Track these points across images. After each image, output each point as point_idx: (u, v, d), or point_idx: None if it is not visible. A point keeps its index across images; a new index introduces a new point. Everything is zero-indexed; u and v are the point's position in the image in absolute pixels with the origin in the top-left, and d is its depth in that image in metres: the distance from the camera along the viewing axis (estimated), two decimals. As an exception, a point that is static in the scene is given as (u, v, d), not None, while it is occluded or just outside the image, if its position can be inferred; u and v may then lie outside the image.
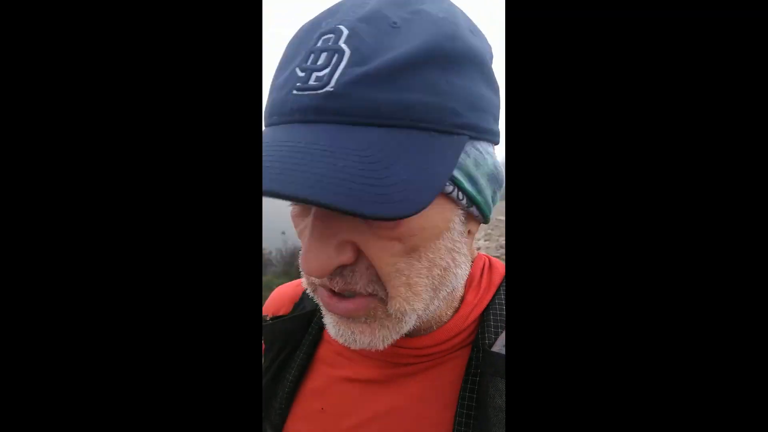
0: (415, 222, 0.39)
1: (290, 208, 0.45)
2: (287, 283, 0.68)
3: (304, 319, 0.58)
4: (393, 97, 0.37)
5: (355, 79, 0.36)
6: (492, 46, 0.46)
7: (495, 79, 0.44)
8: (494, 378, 0.43)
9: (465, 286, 0.51)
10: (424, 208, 0.35)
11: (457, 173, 0.40)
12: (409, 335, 0.49)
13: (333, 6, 0.42)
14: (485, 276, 0.53)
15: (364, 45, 0.37)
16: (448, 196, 0.41)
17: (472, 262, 0.52)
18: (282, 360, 0.57)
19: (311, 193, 0.32)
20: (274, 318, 0.60)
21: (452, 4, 0.44)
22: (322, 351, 0.56)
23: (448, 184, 0.40)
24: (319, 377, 0.55)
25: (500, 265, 0.56)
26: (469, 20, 0.44)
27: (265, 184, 0.32)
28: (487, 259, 0.56)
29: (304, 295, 0.63)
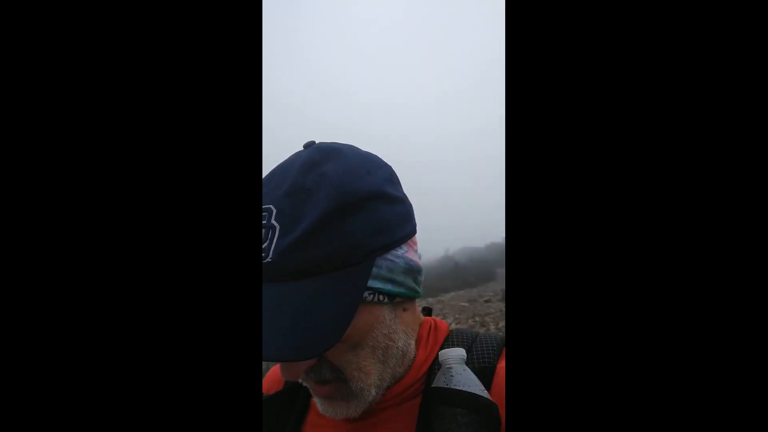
0: (350, 327, 0.52)
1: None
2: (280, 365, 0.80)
3: (293, 391, 0.71)
4: (313, 254, 0.51)
5: (284, 249, 0.51)
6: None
7: (397, 194, 0.59)
8: (435, 406, 0.55)
9: (416, 345, 0.65)
10: (341, 336, 0.49)
11: (374, 284, 0.54)
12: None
13: (267, 176, 0.58)
14: (431, 335, 0.68)
15: (287, 218, 0.52)
16: (370, 302, 0.55)
17: (420, 324, 0.67)
18: (282, 425, 0.69)
19: (264, 352, 0.46)
20: (267, 397, 0.75)
21: (351, 156, 0.58)
22: (311, 416, 0.69)
23: (368, 294, 0.54)
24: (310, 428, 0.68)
25: (443, 324, 0.71)
26: (367, 162, 0.59)
27: None
28: (433, 322, 0.70)
29: None
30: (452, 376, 0.55)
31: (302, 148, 0.61)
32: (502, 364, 0.60)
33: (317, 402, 0.61)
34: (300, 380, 0.61)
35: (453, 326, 0.71)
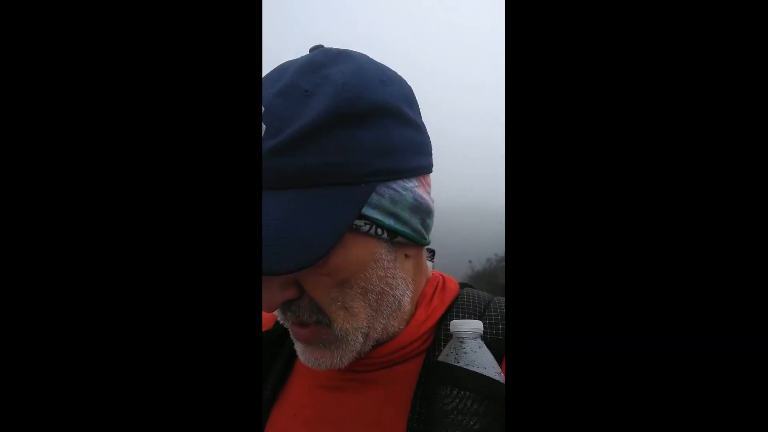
0: (340, 259, 0.46)
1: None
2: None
3: (281, 333, 0.64)
4: (300, 162, 0.44)
5: (269, 151, 0.43)
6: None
7: (414, 118, 0.50)
8: (438, 384, 0.48)
9: (417, 303, 0.58)
10: (321, 257, 0.42)
11: (373, 213, 0.47)
12: (372, 347, 0.55)
13: (264, 76, 0.49)
14: (437, 294, 0.60)
15: (277, 119, 0.44)
16: (366, 234, 0.48)
17: (427, 281, 0.60)
18: (264, 370, 0.63)
19: None
20: None
21: (361, 62, 0.49)
22: (299, 362, 0.61)
23: (363, 224, 0.47)
24: (294, 385, 0.61)
25: (452, 283, 0.62)
26: (381, 72, 0.50)
27: None
28: (441, 279, 0.62)
29: (277, 322, 0.69)
30: (465, 352, 0.47)
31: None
32: None
33: (298, 351, 0.55)
34: (280, 320, 0.55)
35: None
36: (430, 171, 0.54)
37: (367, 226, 0.47)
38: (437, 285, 0.61)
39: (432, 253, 0.64)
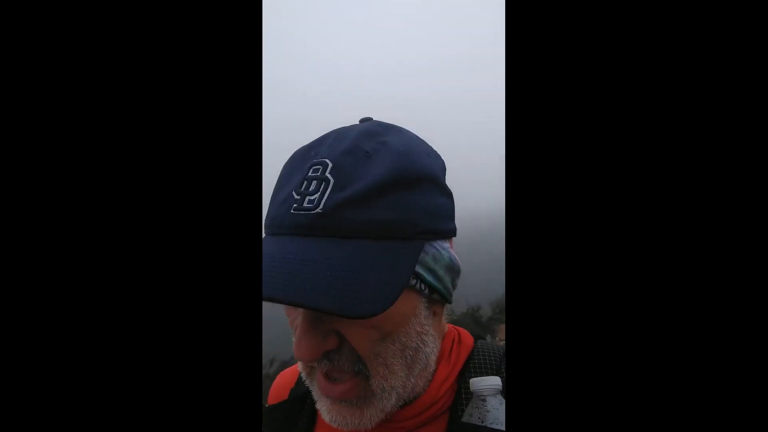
0: (389, 310, 0.46)
1: None
2: (286, 371, 0.76)
3: (298, 402, 0.65)
4: (368, 216, 0.48)
5: (338, 203, 0.47)
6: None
7: (447, 187, 0.56)
8: None
9: (438, 360, 0.58)
10: (390, 304, 0.44)
11: (418, 269, 0.50)
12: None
13: (321, 137, 0.55)
14: (455, 349, 0.61)
15: (344, 174, 0.49)
16: (412, 288, 0.51)
17: (443, 336, 0.61)
18: None
19: (306, 299, 0.42)
20: (272, 406, 0.69)
21: (411, 136, 0.56)
22: (318, 431, 0.62)
23: (411, 279, 0.49)
24: None
25: (468, 337, 0.64)
26: (426, 145, 0.57)
27: (270, 293, 0.42)
28: (456, 333, 0.64)
29: (299, 381, 0.68)
30: (488, 411, 0.48)
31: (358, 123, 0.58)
32: None
33: (324, 410, 0.54)
34: (306, 377, 0.55)
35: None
36: (455, 234, 0.58)
37: (414, 281, 0.50)
38: (453, 339, 0.62)
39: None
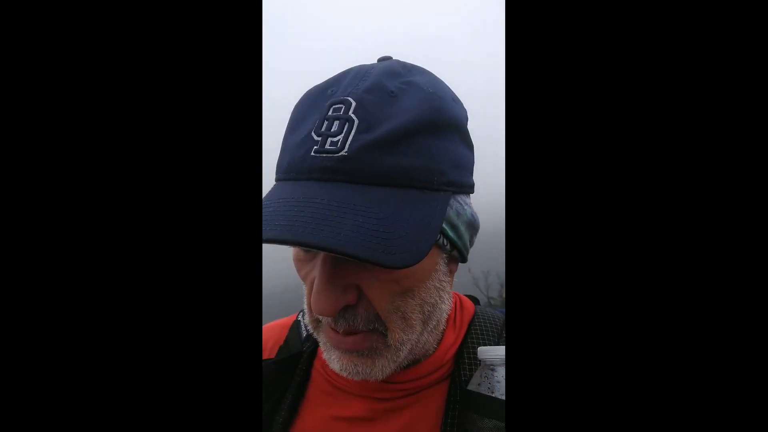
0: (412, 267, 0.43)
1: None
2: (270, 325, 0.70)
3: (290, 363, 0.61)
4: (395, 161, 0.43)
5: (364, 145, 0.43)
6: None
7: (470, 139, 0.52)
8: (472, 415, 0.47)
9: (446, 323, 0.56)
10: (423, 258, 0.41)
11: (443, 223, 0.46)
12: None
13: (337, 75, 0.50)
14: (458, 315, 0.59)
15: (369, 115, 0.44)
16: (435, 243, 0.46)
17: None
18: (271, 403, 0.59)
19: (338, 244, 0.38)
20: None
21: (436, 78, 0.52)
22: (311, 392, 0.59)
23: None
24: (308, 418, 0.57)
25: (469, 304, 0.63)
26: (451, 90, 0.52)
27: (297, 236, 0.38)
28: (458, 298, 0.62)
29: (288, 337, 0.65)
30: (498, 381, 0.46)
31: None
32: None
33: (333, 359, 0.50)
34: (313, 329, 0.52)
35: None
36: (474, 191, 0.54)
37: (438, 236, 0.46)
38: (456, 304, 0.60)
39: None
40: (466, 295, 0.65)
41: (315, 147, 0.44)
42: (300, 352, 0.61)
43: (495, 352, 0.48)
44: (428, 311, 0.49)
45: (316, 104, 0.47)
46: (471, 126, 0.53)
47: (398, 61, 0.52)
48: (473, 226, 0.52)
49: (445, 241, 0.48)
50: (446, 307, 0.52)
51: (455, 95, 0.52)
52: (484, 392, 0.46)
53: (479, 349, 0.49)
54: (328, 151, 0.43)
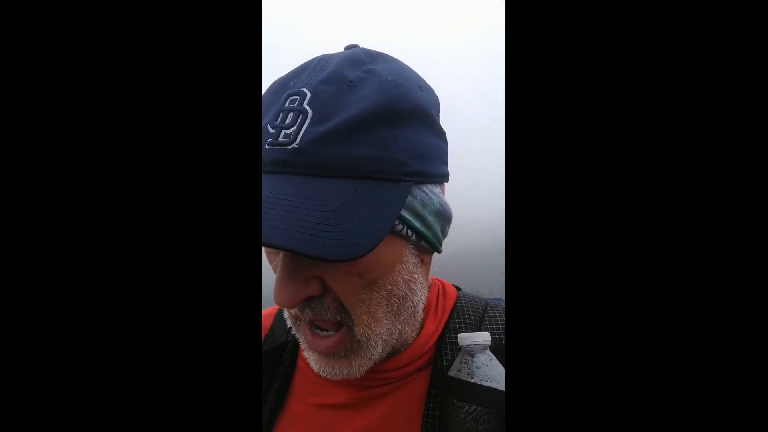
0: (372, 258, 0.44)
1: None
2: None
3: (276, 352, 0.62)
4: (348, 153, 0.43)
5: (317, 137, 0.42)
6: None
7: (440, 127, 0.51)
8: (452, 400, 0.47)
9: (424, 312, 0.56)
10: (371, 250, 0.40)
11: (405, 214, 0.46)
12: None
13: (300, 66, 0.49)
14: (440, 302, 0.59)
15: (324, 106, 0.43)
16: (398, 234, 0.47)
17: (429, 287, 0.58)
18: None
19: (278, 239, 0.38)
20: None
21: (401, 65, 0.50)
22: (297, 380, 0.60)
23: (397, 223, 0.46)
24: (294, 406, 0.58)
25: (452, 290, 0.62)
26: (418, 77, 0.51)
27: None
28: (440, 285, 0.61)
29: (273, 326, 0.66)
30: (478, 367, 0.47)
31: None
32: None
33: (312, 361, 0.52)
34: (293, 326, 0.52)
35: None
36: (448, 180, 0.54)
37: (400, 226, 0.46)
38: (438, 291, 0.60)
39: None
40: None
41: (270, 139, 0.44)
42: (285, 342, 0.62)
43: (474, 339, 0.48)
44: (397, 303, 0.49)
45: (277, 95, 0.47)
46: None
47: (363, 49, 0.51)
48: (443, 215, 0.51)
49: (409, 232, 0.47)
50: (419, 297, 0.52)
51: (423, 83, 0.51)
52: (464, 378, 0.47)
53: (459, 335, 0.50)
54: (281, 144, 0.43)
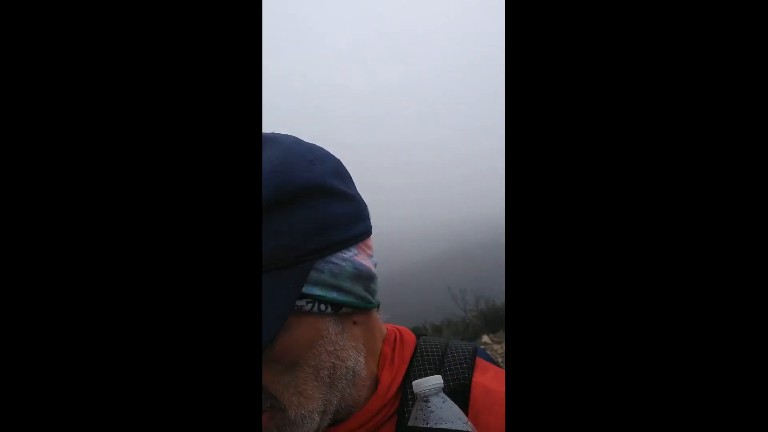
0: (286, 342, 0.46)
1: None
2: None
3: None
4: None
5: None
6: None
7: (342, 189, 0.51)
8: None
9: (380, 366, 0.57)
10: (264, 348, 0.42)
11: (314, 290, 0.47)
12: (334, 423, 0.54)
13: None
14: (397, 352, 0.59)
15: None
16: (309, 313, 0.48)
17: (384, 340, 0.59)
18: None
19: None
20: None
21: (287, 147, 0.50)
22: None
23: (306, 303, 0.47)
24: None
25: (410, 337, 0.61)
26: (309, 151, 0.51)
27: None
28: (398, 333, 0.61)
29: None
30: (432, 411, 0.48)
31: None
32: (477, 378, 0.54)
33: None
34: None
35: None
36: (369, 234, 0.54)
37: (309, 305, 0.47)
38: (395, 341, 0.60)
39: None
40: (411, 329, 0.65)
41: None
42: None
43: (425, 384, 0.49)
44: (327, 375, 0.50)
45: None
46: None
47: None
48: (361, 276, 0.51)
49: (322, 306, 0.48)
50: (353, 362, 0.52)
51: (316, 154, 0.51)
52: (420, 425, 0.47)
53: (413, 383, 0.50)
54: None
